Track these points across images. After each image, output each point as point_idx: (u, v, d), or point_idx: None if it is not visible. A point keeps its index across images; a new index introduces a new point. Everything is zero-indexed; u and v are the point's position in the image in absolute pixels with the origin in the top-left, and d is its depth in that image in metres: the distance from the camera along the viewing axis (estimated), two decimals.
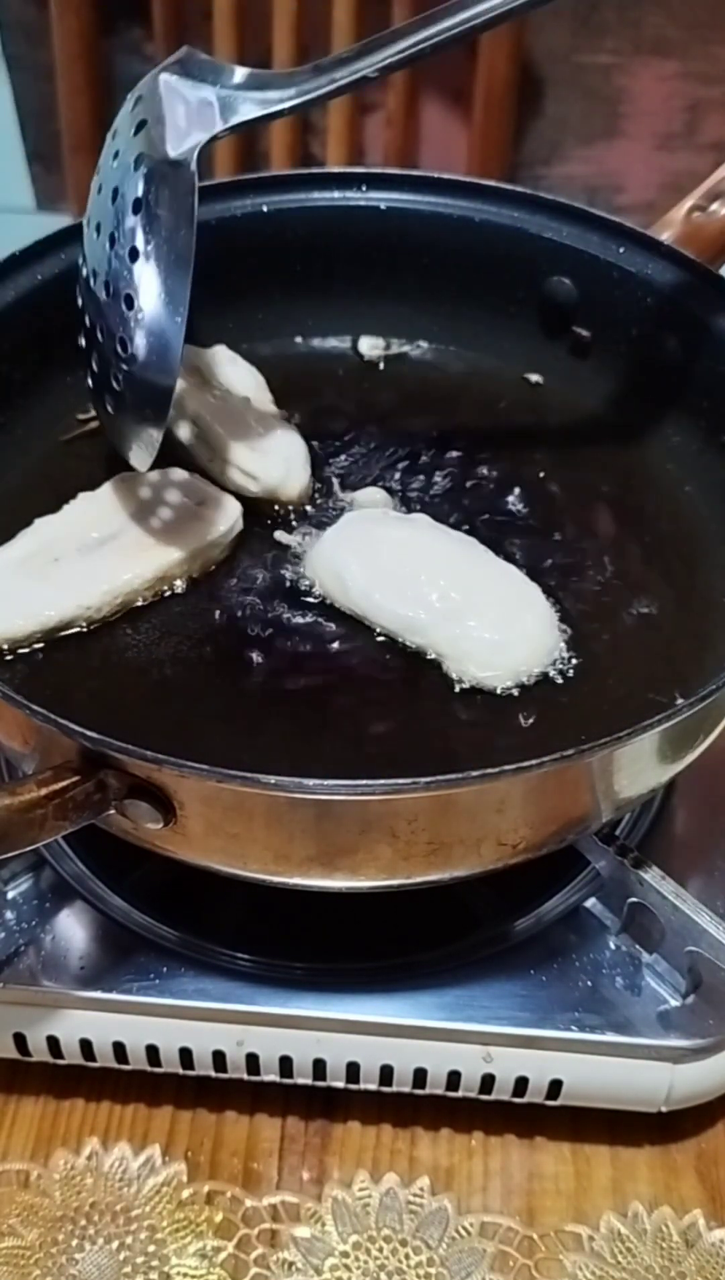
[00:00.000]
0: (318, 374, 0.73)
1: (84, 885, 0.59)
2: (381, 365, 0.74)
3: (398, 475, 0.67)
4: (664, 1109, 0.56)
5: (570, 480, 0.67)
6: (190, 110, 0.56)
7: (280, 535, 0.63)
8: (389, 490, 0.65)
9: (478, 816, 0.48)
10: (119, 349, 0.56)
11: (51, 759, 0.47)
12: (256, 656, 0.57)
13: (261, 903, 0.56)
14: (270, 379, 0.71)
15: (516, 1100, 0.56)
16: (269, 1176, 0.56)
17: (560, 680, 0.56)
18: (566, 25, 1.30)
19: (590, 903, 0.59)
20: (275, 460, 0.65)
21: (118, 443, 0.60)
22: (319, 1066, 0.56)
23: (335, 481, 0.66)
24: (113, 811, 0.48)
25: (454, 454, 0.68)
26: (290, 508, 0.65)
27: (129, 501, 0.62)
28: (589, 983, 0.56)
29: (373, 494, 0.65)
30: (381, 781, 0.45)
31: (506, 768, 0.45)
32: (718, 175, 0.66)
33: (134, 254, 0.54)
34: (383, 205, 0.72)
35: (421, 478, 0.67)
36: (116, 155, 0.58)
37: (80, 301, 0.61)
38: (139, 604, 0.60)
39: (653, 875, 0.56)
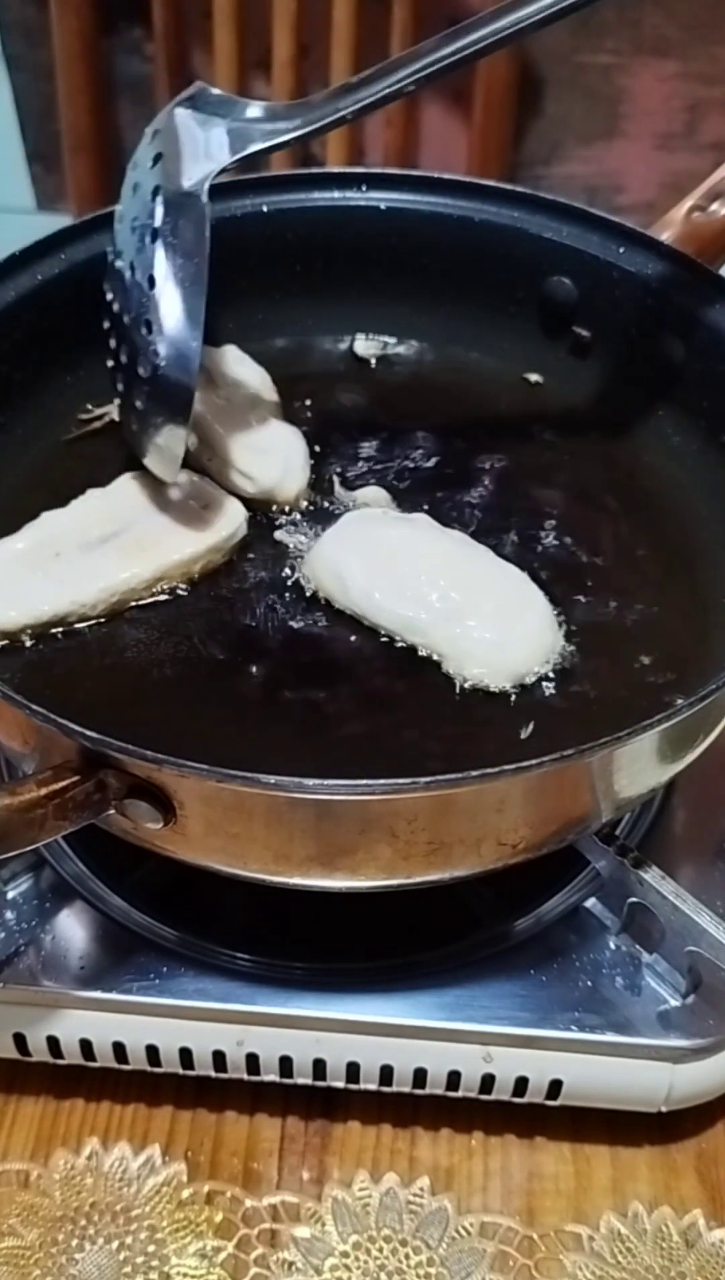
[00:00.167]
0: (317, 374, 0.73)
1: (84, 885, 0.59)
2: (381, 365, 0.74)
3: (398, 475, 0.67)
4: (664, 1109, 0.56)
5: (570, 480, 0.67)
6: (203, 144, 0.59)
7: (280, 535, 0.63)
8: (389, 489, 0.65)
9: (478, 816, 0.48)
10: (140, 369, 0.59)
11: (51, 759, 0.47)
12: (257, 656, 0.57)
13: (261, 903, 0.56)
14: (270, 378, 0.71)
15: (516, 1100, 0.56)
16: (269, 1176, 0.56)
17: (560, 680, 0.56)
18: (566, 25, 1.30)
19: (590, 903, 0.59)
20: (274, 460, 0.65)
21: (141, 454, 0.62)
22: (319, 1066, 0.56)
23: (335, 481, 0.66)
24: (113, 811, 0.48)
25: (453, 454, 0.68)
26: (289, 508, 0.65)
27: (135, 501, 0.62)
28: (589, 983, 0.56)
29: (373, 493, 0.65)
30: (381, 781, 0.45)
31: (506, 768, 0.45)
32: (718, 175, 0.66)
33: (151, 281, 0.58)
34: (383, 205, 0.72)
35: (421, 478, 0.67)
36: (136, 187, 0.61)
37: (106, 324, 0.63)
38: (136, 603, 0.60)
39: (653, 875, 0.56)
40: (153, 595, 0.60)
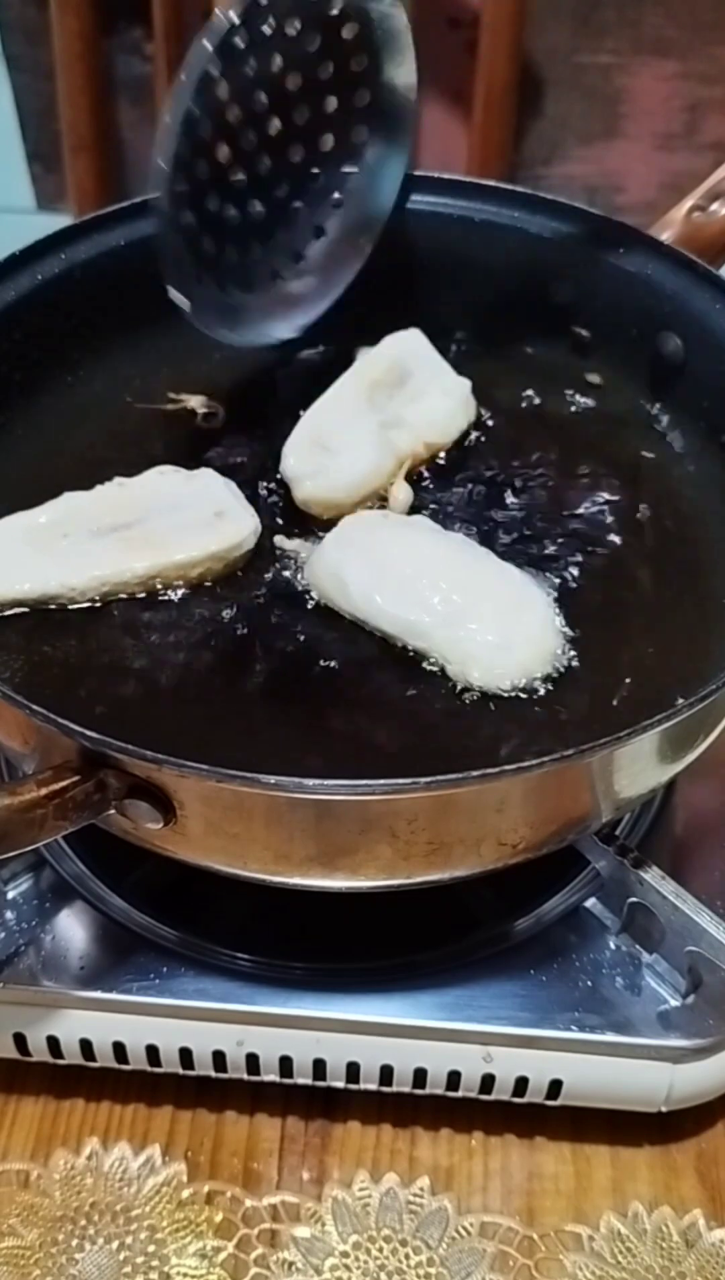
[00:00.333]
0: (317, 373, 0.73)
1: (84, 885, 0.59)
2: None
3: None
4: (664, 1109, 0.56)
5: (569, 481, 0.67)
6: None
7: (280, 539, 0.63)
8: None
9: (478, 816, 0.48)
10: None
11: (51, 759, 0.47)
12: (257, 658, 0.57)
13: (261, 903, 0.56)
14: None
15: (516, 1100, 0.56)
16: (269, 1176, 0.56)
17: (561, 682, 0.56)
18: (566, 25, 1.30)
19: (590, 903, 0.59)
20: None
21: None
22: (319, 1066, 0.56)
23: None
24: (113, 811, 0.48)
25: (451, 454, 0.68)
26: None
27: (154, 495, 0.62)
28: (589, 983, 0.56)
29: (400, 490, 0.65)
30: (381, 781, 0.45)
31: (506, 768, 0.45)
32: (718, 175, 0.66)
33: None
34: None
35: (420, 479, 0.67)
36: None
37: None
38: (130, 596, 0.60)
39: (653, 875, 0.56)
40: (149, 592, 0.60)
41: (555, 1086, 0.55)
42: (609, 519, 0.65)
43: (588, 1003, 0.55)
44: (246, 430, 0.69)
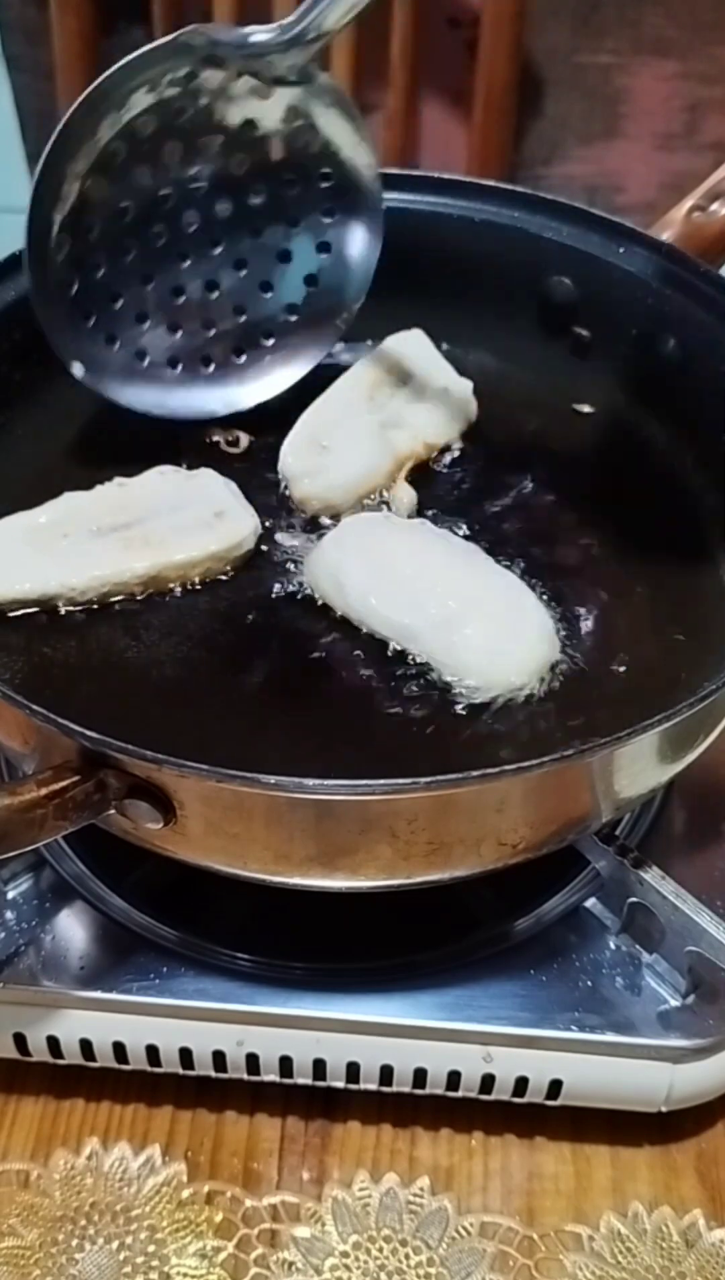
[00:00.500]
0: (317, 374, 0.73)
1: (84, 885, 0.59)
2: None
3: None
4: (664, 1109, 0.56)
5: (569, 482, 0.67)
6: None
7: (281, 537, 0.63)
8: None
9: (478, 816, 0.48)
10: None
11: (51, 759, 0.47)
12: (256, 658, 0.57)
13: (261, 903, 0.56)
14: None
15: (516, 1100, 0.56)
16: (269, 1176, 0.56)
17: (557, 687, 0.56)
18: (566, 25, 1.30)
19: (590, 903, 0.59)
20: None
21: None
22: (319, 1066, 0.56)
23: None
24: (113, 811, 0.48)
25: (452, 457, 0.68)
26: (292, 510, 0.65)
27: (154, 496, 0.62)
28: (589, 983, 0.56)
29: (403, 491, 0.65)
30: (381, 781, 0.45)
31: (506, 768, 0.45)
32: (718, 175, 0.66)
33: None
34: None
35: (422, 480, 0.67)
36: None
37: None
38: (132, 597, 0.60)
39: (653, 875, 0.56)
40: (149, 592, 0.60)
41: (555, 1086, 0.55)
42: (607, 521, 0.65)
43: (588, 1003, 0.55)
44: (247, 429, 0.69)
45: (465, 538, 0.62)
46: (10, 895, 0.59)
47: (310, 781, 0.45)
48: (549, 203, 0.70)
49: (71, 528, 0.60)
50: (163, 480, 0.63)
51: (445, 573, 0.58)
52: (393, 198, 0.72)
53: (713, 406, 0.65)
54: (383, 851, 0.48)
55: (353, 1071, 0.56)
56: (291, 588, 0.61)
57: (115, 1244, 0.53)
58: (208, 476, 0.64)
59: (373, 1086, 0.56)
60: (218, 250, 0.67)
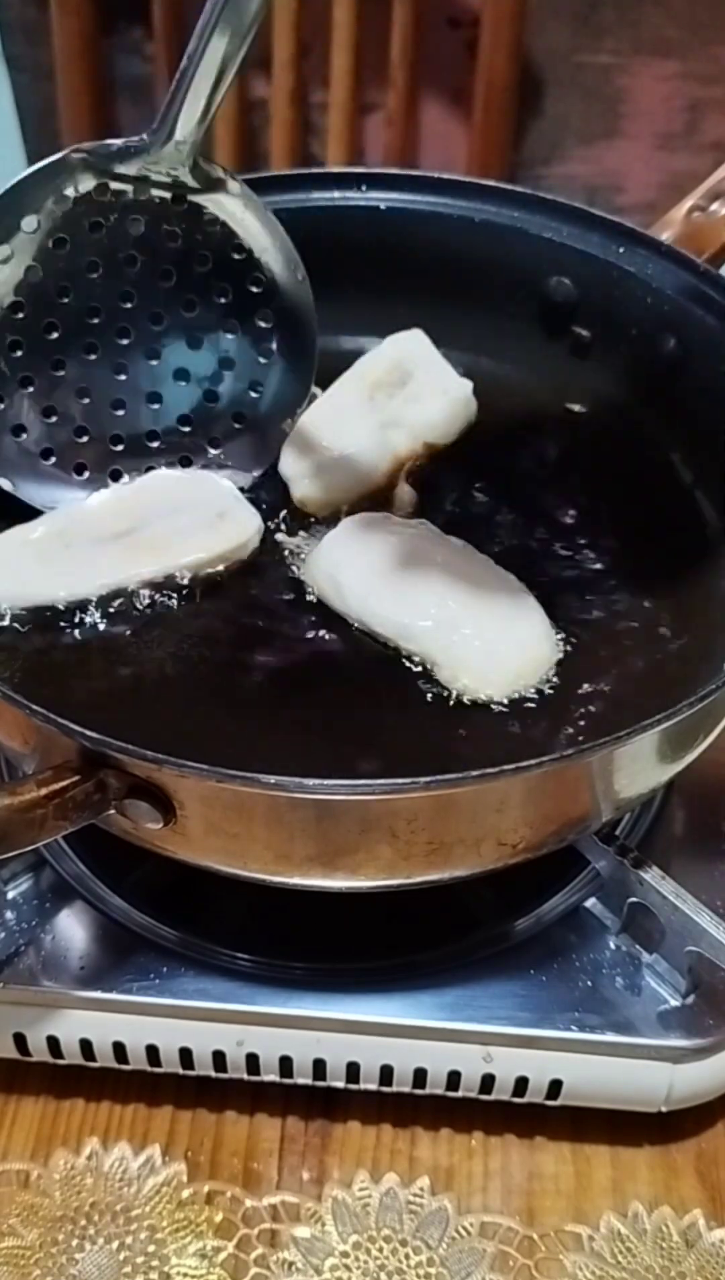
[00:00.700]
0: (318, 373, 0.73)
1: (84, 885, 0.59)
2: None
3: None
4: (664, 1109, 0.56)
5: (569, 483, 0.67)
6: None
7: (281, 538, 0.63)
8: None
9: (478, 816, 0.48)
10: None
11: (51, 759, 0.47)
12: (256, 657, 0.57)
13: (261, 903, 0.56)
14: None
15: (516, 1100, 0.56)
16: (269, 1176, 0.56)
17: (555, 690, 0.56)
18: (566, 25, 1.30)
19: (590, 903, 0.59)
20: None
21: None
22: (319, 1066, 0.56)
23: None
24: (113, 811, 0.48)
25: (453, 458, 0.68)
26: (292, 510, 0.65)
27: (154, 499, 0.62)
28: (589, 983, 0.56)
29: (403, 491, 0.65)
30: (381, 781, 0.45)
31: (506, 768, 0.45)
32: (718, 175, 0.66)
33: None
34: (383, 205, 0.72)
35: (423, 482, 0.67)
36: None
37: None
38: (135, 603, 0.60)
39: (653, 875, 0.56)
40: (151, 595, 0.60)
41: (555, 1086, 0.55)
42: (607, 521, 0.65)
43: (588, 1003, 0.55)
44: None
45: (463, 538, 0.62)
46: (10, 895, 0.59)
47: (310, 781, 0.45)
48: (549, 203, 0.70)
49: (72, 537, 0.60)
50: (161, 483, 0.63)
51: (445, 573, 0.58)
52: (393, 198, 0.72)
53: (713, 406, 0.65)
54: (383, 851, 0.48)
55: (353, 1071, 0.56)
56: (291, 588, 0.61)
57: (115, 1244, 0.53)
58: (205, 478, 0.64)
59: (373, 1086, 0.56)
60: (154, 362, 0.64)
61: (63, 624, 0.59)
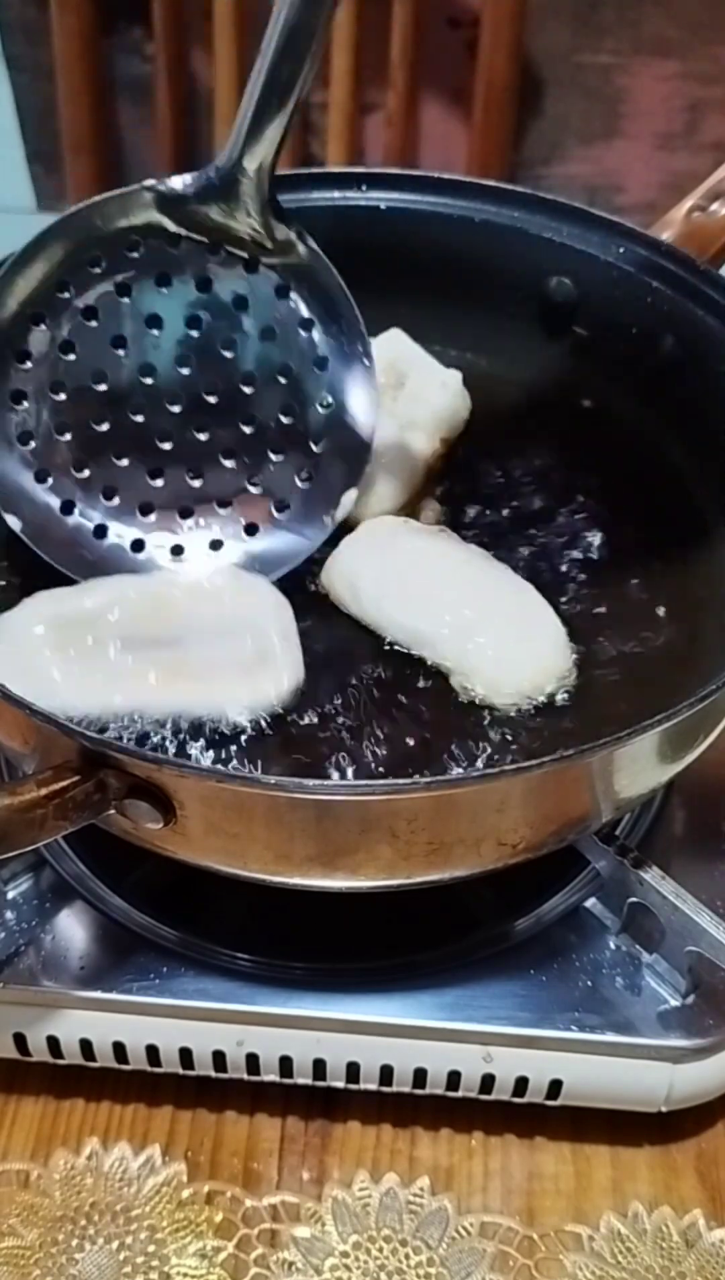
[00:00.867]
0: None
1: (84, 885, 0.59)
2: None
3: None
4: (664, 1109, 0.56)
5: (569, 483, 0.67)
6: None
7: None
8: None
9: (478, 816, 0.48)
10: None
11: (51, 759, 0.47)
12: None
13: (261, 903, 0.56)
14: None
15: (516, 1100, 0.56)
16: (269, 1176, 0.56)
17: (567, 699, 0.56)
18: (566, 25, 1.30)
19: (590, 903, 0.59)
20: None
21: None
22: (319, 1066, 0.56)
23: None
24: (113, 811, 0.48)
25: (453, 458, 0.68)
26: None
27: (200, 611, 0.57)
28: (589, 983, 0.56)
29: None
30: (381, 782, 0.45)
31: (506, 768, 0.45)
32: (718, 175, 0.66)
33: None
34: (383, 205, 0.72)
35: (445, 495, 0.67)
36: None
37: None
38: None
39: (653, 875, 0.56)
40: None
41: (555, 1086, 0.55)
42: (607, 522, 0.65)
43: (588, 1003, 0.55)
44: None
45: (467, 539, 0.62)
46: (10, 895, 0.59)
47: (310, 782, 0.45)
48: (549, 203, 0.70)
49: (103, 627, 0.55)
50: (212, 592, 0.58)
51: (461, 580, 0.58)
52: (393, 198, 0.72)
53: (712, 406, 0.65)
54: (383, 851, 0.48)
55: (353, 1071, 0.56)
56: (307, 591, 0.61)
57: (115, 1244, 0.53)
58: (262, 594, 0.58)
59: (373, 1086, 0.56)
60: (203, 436, 0.61)
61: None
